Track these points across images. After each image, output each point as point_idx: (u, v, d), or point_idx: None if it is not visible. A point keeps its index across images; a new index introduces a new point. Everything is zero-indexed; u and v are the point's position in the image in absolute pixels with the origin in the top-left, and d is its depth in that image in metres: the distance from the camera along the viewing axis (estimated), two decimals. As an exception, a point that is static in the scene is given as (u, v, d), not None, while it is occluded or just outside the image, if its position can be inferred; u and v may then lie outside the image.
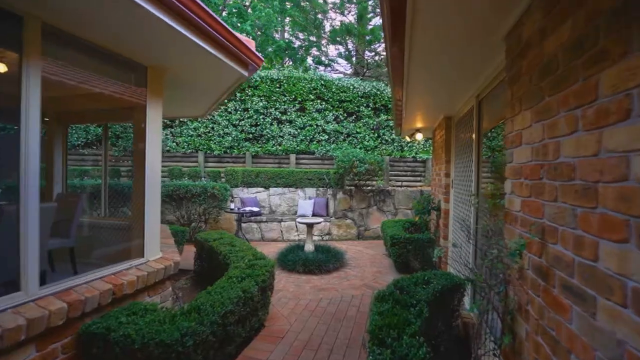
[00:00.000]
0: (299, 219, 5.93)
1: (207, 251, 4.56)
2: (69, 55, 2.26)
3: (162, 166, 8.67)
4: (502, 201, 2.33)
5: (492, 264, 1.95)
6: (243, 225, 7.68)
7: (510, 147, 1.91)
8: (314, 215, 8.01)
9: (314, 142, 9.56)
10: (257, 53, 2.87)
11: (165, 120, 9.21)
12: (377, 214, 8.22)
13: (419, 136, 6.36)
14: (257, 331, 3.12)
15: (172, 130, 9.25)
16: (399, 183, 9.57)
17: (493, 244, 2.04)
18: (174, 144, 9.20)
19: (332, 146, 9.55)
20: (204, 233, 5.01)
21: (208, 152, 9.25)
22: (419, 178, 9.88)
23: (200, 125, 9.24)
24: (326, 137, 9.55)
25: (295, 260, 5.32)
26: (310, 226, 5.87)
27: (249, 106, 9.32)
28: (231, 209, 7.13)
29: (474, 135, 3.45)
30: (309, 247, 5.79)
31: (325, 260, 5.32)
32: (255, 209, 7.32)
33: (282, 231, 7.86)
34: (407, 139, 6.72)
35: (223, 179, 8.46)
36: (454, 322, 3.10)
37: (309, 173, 8.53)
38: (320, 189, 8.39)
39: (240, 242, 4.42)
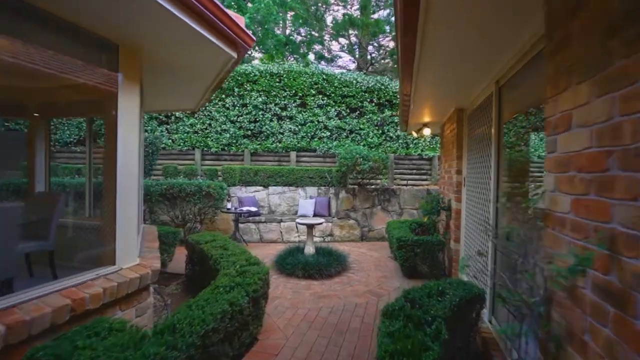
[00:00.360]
0: (298, 220, 5.59)
1: (199, 254, 4.23)
2: (18, 27, 1.93)
3: (157, 164, 8.38)
4: (534, 200, 1.97)
5: (530, 277, 1.60)
6: (241, 225, 7.35)
7: (552, 134, 1.55)
8: (315, 215, 7.66)
9: (316, 139, 9.21)
10: (247, 31, 2.52)
11: (161, 117, 8.90)
12: (382, 214, 7.86)
13: (427, 131, 5.99)
14: (249, 347, 2.78)
15: (168, 127, 8.94)
16: (405, 182, 9.20)
17: (529, 252, 1.68)
18: (170, 141, 8.88)
19: (335, 143, 9.20)
20: (196, 235, 4.68)
21: (205, 149, 8.93)
22: (425, 176, 9.51)
23: (196, 121, 8.92)
24: (328, 133, 9.20)
25: (294, 263, 4.98)
26: (310, 227, 5.53)
27: (248, 101, 8.99)
28: (227, 209, 6.80)
29: (492, 126, 3.09)
30: (309, 249, 5.45)
31: (326, 264, 4.98)
32: (253, 208, 6.99)
33: (281, 232, 7.52)
34: (414, 134, 6.36)
35: (220, 178, 8.13)
36: (472, 337, 2.75)
37: (310, 171, 8.19)
38: (322, 187, 8.04)
39: (233, 245, 4.08)
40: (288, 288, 4.41)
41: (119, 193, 2.28)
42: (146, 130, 8.73)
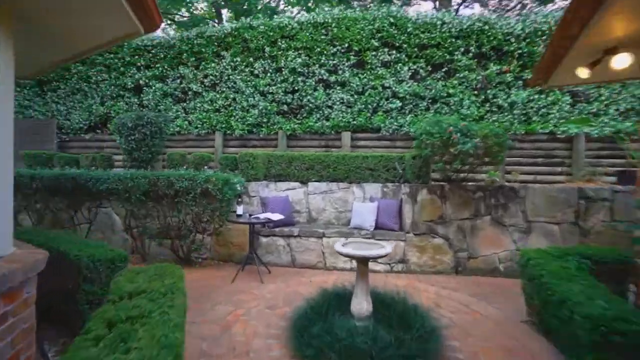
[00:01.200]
0: (342, 246, 2.96)
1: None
2: None
3: (165, 151, 6.56)
4: None
5: None
6: (263, 240, 5.04)
7: None
8: (377, 227, 4.96)
9: (379, 113, 6.45)
10: None
11: (178, 94, 7.13)
12: (492, 230, 4.76)
13: (623, 61, 2.81)
14: None
15: (185, 105, 7.12)
16: (530, 176, 5.89)
17: None
18: (186, 122, 7.05)
19: (409, 118, 6.31)
20: (128, 275, 2.43)
21: (228, 132, 6.89)
22: (558, 168, 6.03)
23: (218, 96, 6.91)
24: (398, 104, 6.35)
25: (326, 341, 2.41)
26: (364, 262, 2.87)
27: (283, 64, 6.66)
28: (238, 215, 4.52)
29: None
30: (362, 305, 2.81)
31: (394, 355, 2.27)
32: (277, 216, 4.58)
33: (323, 253, 4.98)
34: (581, 74, 3.18)
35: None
36: None
37: (370, 159, 5.50)
38: (389, 185, 5.29)
39: (162, 316, 1.68)
40: None
41: None
42: (158, 110, 7.04)
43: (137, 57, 7.24)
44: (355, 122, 6.46)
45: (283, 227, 5.10)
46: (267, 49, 6.69)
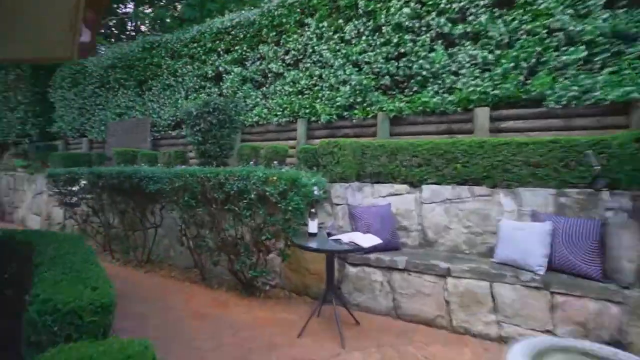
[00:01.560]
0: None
1: None
2: None
3: (241, 144, 5.45)
4: None
5: None
6: (352, 270, 3.44)
7: None
8: (553, 268, 2.79)
9: (541, 74, 4.05)
10: None
11: (257, 77, 6.17)
12: None
13: None
14: None
15: (265, 89, 6.09)
16: None
17: None
18: (265, 110, 6.01)
19: (602, 77, 3.74)
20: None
21: (313, 118, 5.54)
22: None
23: (301, 75, 5.63)
24: (581, 53, 3.83)
25: None
26: None
27: (383, 20, 4.91)
28: (310, 234, 3.01)
29: None
30: None
31: None
32: (370, 239, 2.90)
33: (447, 302, 3.06)
34: None
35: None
36: None
37: (532, 148, 3.31)
38: (571, 191, 3.02)
39: None
40: None
41: None
42: (224, 94, 6.22)
43: (217, 42, 6.62)
44: (496, 91, 4.24)
45: (381, 252, 3.39)
46: (362, 3, 5.05)
